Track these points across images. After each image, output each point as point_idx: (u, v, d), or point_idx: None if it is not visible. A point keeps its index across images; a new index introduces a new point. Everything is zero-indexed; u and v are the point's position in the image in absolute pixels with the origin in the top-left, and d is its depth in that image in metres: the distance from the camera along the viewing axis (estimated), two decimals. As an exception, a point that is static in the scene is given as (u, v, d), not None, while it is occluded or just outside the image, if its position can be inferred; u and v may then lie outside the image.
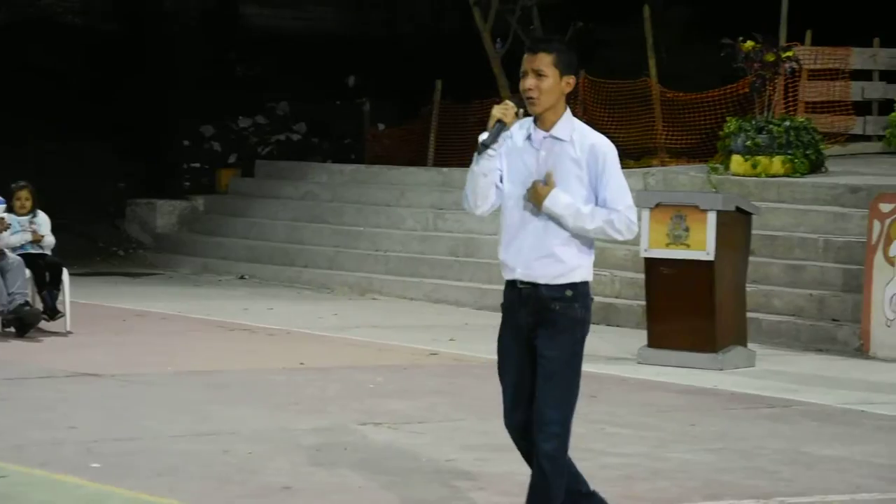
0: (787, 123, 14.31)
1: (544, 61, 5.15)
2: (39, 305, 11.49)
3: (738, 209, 10.68)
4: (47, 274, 11.55)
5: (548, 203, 5.13)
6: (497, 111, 5.16)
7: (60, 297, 11.54)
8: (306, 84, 20.40)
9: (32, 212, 11.84)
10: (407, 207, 16.32)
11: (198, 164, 19.91)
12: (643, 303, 11.18)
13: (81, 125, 19.86)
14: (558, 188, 5.16)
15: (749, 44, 14.51)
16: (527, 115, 5.26)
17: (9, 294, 11.04)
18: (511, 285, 5.28)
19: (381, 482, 6.66)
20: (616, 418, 8.39)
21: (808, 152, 14.23)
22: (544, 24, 18.48)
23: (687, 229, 10.44)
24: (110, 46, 20.94)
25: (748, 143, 14.15)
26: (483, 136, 5.21)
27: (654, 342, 10.56)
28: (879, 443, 7.86)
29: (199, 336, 11.84)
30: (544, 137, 5.21)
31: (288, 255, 16.79)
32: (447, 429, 8.02)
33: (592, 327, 13.55)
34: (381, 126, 20.24)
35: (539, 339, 5.22)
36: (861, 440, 7.95)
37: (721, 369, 10.28)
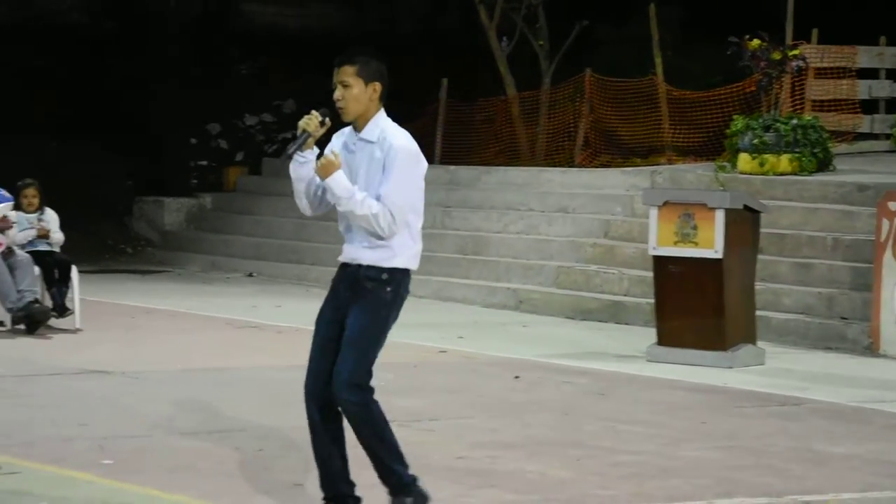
0: (795, 122, 14.31)
1: (348, 72, 5.63)
2: (48, 303, 11.51)
3: (747, 207, 10.67)
4: (56, 271, 11.57)
5: (329, 181, 5.62)
6: (302, 122, 5.63)
7: (69, 295, 11.56)
8: (311, 82, 20.40)
9: (40, 209, 11.86)
10: (414, 205, 16.29)
11: (205, 162, 19.93)
12: (652, 301, 11.18)
13: (88, 124, 19.88)
14: (342, 172, 5.61)
15: (755, 42, 14.50)
16: (343, 123, 5.73)
17: (18, 291, 11.06)
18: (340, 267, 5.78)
19: (392, 479, 6.65)
20: (626, 416, 8.39)
21: (815, 150, 14.22)
22: (549, 22, 18.48)
23: (695, 227, 10.44)
24: (115, 44, 20.95)
25: (755, 141, 14.14)
26: (289, 146, 5.70)
27: (663, 340, 10.56)
28: (890, 441, 7.86)
29: (208, 333, 11.85)
30: (357, 139, 5.71)
31: (296, 252, 16.80)
32: (457, 426, 8.03)
33: (601, 325, 13.54)
34: (387, 123, 20.22)
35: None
36: (872, 438, 7.95)
37: (731, 367, 10.28)
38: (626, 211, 14.45)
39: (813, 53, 15.61)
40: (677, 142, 16.39)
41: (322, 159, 5.63)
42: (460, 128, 18.54)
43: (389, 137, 5.65)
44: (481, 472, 6.87)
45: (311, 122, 5.62)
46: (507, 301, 13.89)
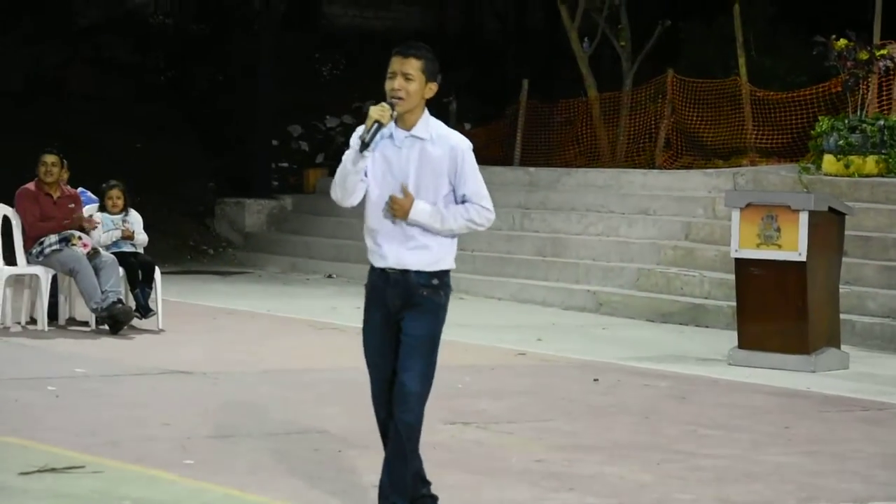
0: (881, 122, 14.10)
1: (414, 66, 5.50)
2: (132, 303, 11.65)
3: (831, 209, 10.53)
4: (140, 272, 11.70)
5: (413, 216, 5.50)
6: (374, 113, 5.43)
7: (153, 296, 11.69)
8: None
9: (125, 210, 12.01)
10: (494, 207, 16.28)
11: (286, 164, 20.07)
12: (733, 304, 11.07)
13: (171, 125, 20.11)
14: (418, 196, 5.49)
15: (842, 42, 14.31)
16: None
17: (102, 292, 11.20)
18: (379, 271, 5.60)
19: (469, 482, 6.66)
20: (707, 420, 8.31)
21: (902, 152, 14.01)
22: (632, 22, 18.38)
23: (778, 230, 10.32)
24: (198, 46, 21.18)
25: (841, 142, 13.96)
26: (357, 135, 5.49)
27: (745, 343, 10.45)
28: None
29: (289, 334, 11.92)
30: (406, 136, 5.54)
31: (375, 254, 16.85)
32: (536, 429, 7.99)
33: (681, 328, 13.45)
34: (468, 125, 20.25)
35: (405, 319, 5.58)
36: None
37: (814, 371, 10.15)
38: (708, 213, 14.32)
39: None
40: (760, 143, 16.22)
41: (391, 203, 5.48)
42: (541, 129, 18.49)
43: (450, 136, 5.57)
44: (560, 475, 6.83)
45: (385, 113, 5.45)
46: (586, 303, 13.83)
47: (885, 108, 15.19)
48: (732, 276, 10.91)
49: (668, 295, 13.30)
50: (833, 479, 6.83)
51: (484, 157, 18.49)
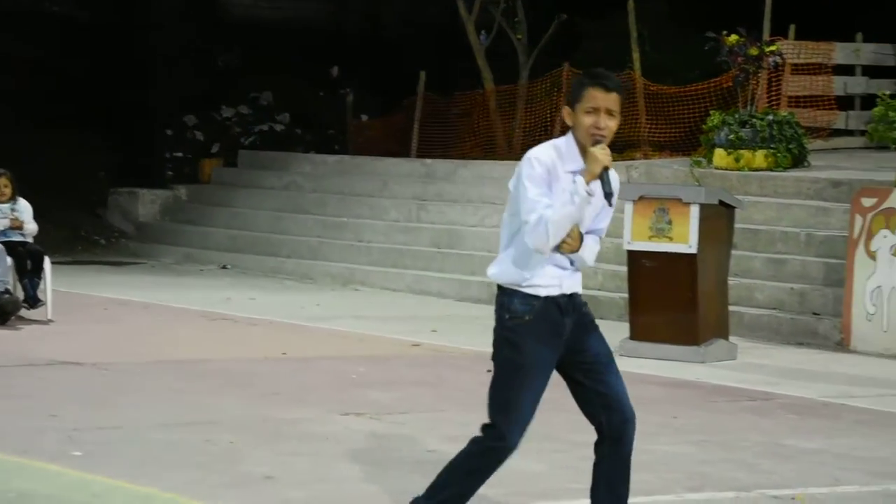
0: (771, 117, 14.35)
1: (618, 101, 5.07)
2: (20, 294, 11.45)
3: (721, 202, 10.70)
4: (29, 262, 11.51)
5: (582, 252, 5.19)
6: (603, 157, 5.04)
7: (42, 286, 11.50)
8: (289, 75, 20.35)
9: (13, 199, 11.80)
10: (390, 198, 16.30)
11: (180, 154, 19.85)
12: (625, 295, 11.20)
13: (63, 113, 19.78)
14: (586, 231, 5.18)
15: (733, 38, 14.53)
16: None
17: (-10, 282, 11.00)
18: (536, 298, 5.26)
19: (362, 472, 6.66)
20: (598, 410, 8.38)
21: (790, 146, 14.27)
22: (528, 16, 18.48)
23: (670, 222, 10.46)
24: (90, 35, 20.84)
25: (731, 136, 14.18)
26: (579, 181, 5.05)
27: (636, 335, 10.58)
28: (859, 436, 7.89)
29: (182, 325, 11.81)
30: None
31: (271, 245, 16.76)
32: (429, 419, 8.02)
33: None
34: (365, 117, 20.22)
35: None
36: (841, 433, 7.97)
37: (703, 362, 10.30)
38: (602, 206, 14.45)
39: (790, 49, 15.66)
40: (653, 137, 16.41)
41: (569, 240, 5.11)
42: (437, 121, 18.52)
43: (614, 174, 5.16)
44: (452, 465, 6.84)
45: (608, 154, 5.06)
46: (481, 294, 13.89)
47: (774, 103, 15.46)
48: (625, 268, 11.03)
49: (561, 287, 13.39)
50: (720, 468, 6.95)
51: (381, 149, 18.67)
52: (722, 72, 15.35)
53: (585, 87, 5.10)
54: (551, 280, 5.24)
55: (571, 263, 5.28)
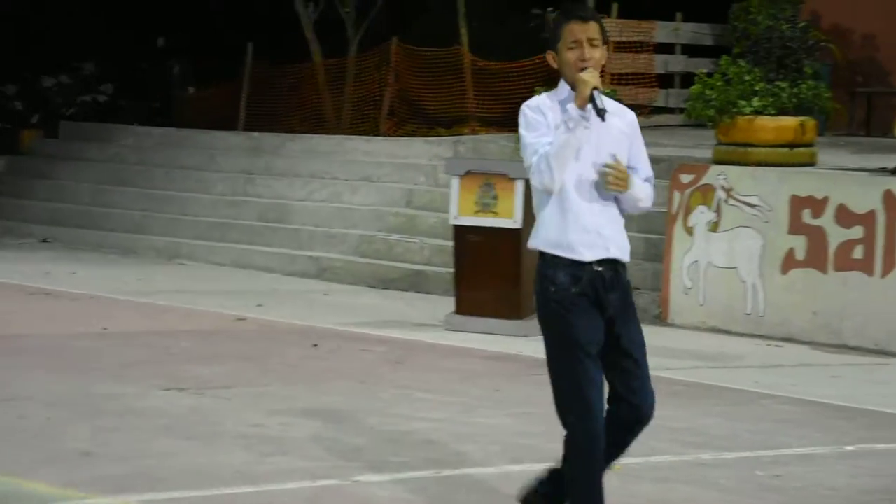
0: (595, 94, 14.57)
1: (597, 31, 5.00)
2: None
3: (546, 178, 10.84)
4: None
5: (632, 190, 5.03)
6: (590, 78, 4.89)
7: None
8: (114, 45, 19.92)
9: None
10: (217, 172, 16.10)
11: (-1, 124, 19.31)
12: (452, 270, 11.29)
13: None
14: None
15: (556, 15, 14.71)
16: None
17: None
18: (581, 266, 5.04)
19: (184, 447, 6.60)
20: (423, 384, 8.46)
21: (613, 124, 14.52)
22: (357, -10, 18.41)
23: (495, 197, 10.57)
24: None
25: (556, 113, 14.35)
26: (571, 107, 4.90)
27: (461, 309, 10.68)
28: (675, 407, 8.09)
29: (-2, 300, 11.51)
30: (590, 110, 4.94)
31: (93, 218, 16.42)
32: (253, 394, 7.98)
33: (402, 294, 13.51)
34: (191, 89, 19.92)
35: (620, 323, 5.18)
36: (657, 405, 8.15)
37: (526, 336, 10.43)
38: (430, 181, 14.53)
39: (612, 28, 15.93)
40: (481, 112, 16.55)
41: (607, 174, 4.93)
42: (266, 94, 18.36)
43: (624, 109, 5.07)
44: (275, 439, 6.84)
45: (597, 77, 4.89)
46: (308, 269, 13.85)
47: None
48: (452, 243, 11.11)
49: (389, 261, 13.44)
50: (540, 440, 7.06)
51: (207, 121, 18.40)
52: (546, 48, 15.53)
53: (562, 24, 5.05)
54: (595, 240, 5.07)
55: (621, 213, 5.07)
